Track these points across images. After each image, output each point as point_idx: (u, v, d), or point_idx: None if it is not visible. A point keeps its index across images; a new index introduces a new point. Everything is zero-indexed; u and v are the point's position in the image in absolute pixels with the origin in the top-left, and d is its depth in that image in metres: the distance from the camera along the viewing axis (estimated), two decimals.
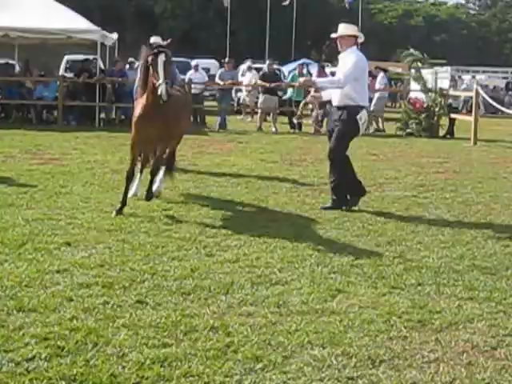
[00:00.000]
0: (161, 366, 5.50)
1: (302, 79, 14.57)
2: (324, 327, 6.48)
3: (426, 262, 8.82)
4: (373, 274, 8.24)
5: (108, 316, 6.54)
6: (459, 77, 50.30)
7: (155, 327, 6.31)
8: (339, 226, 10.64)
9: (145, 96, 11.03)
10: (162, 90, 10.30)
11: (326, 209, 11.76)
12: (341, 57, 12.24)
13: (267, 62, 33.46)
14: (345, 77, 11.68)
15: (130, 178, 11.23)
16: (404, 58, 30.38)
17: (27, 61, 30.55)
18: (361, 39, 12.13)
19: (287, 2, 63.07)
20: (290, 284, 7.70)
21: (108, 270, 7.97)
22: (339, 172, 11.87)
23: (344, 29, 12.14)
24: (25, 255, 8.42)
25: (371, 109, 28.89)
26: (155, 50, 10.72)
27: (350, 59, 11.82)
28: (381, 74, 31.22)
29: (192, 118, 29.42)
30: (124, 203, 10.91)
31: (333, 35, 12.30)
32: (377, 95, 29.64)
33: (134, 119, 11.31)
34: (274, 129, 27.66)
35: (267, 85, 28.47)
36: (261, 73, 30.84)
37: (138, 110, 11.25)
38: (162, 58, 10.56)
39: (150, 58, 10.66)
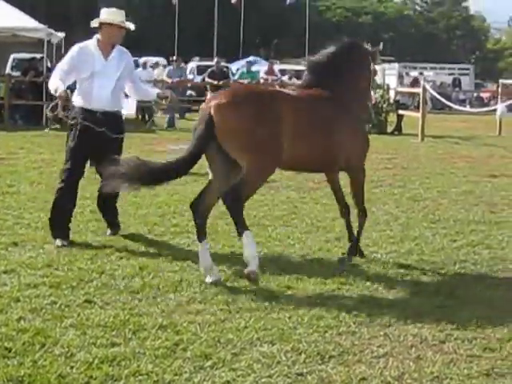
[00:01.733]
0: (109, 366, 5.47)
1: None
2: (273, 324, 6.49)
3: (374, 257, 8.88)
4: (322, 270, 8.27)
5: (56, 316, 6.50)
6: (407, 73, 50.73)
7: (103, 326, 6.28)
8: (288, 223, 10.67)
9: None
10: None
11: None
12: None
13: (215, 59, 33.44)
14: None
15: None
16: None
17: None
18: (131, 26, 9.58)
19: (235, 0, 63.01)
20: (239, 281, 7.70)
21: (56, 270, 7.92)
22: None
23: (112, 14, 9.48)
24: None
25: None
26: None
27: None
28: None
29: (140, 117, 29.54)
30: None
31: (93, 23, 9.53)
32: None
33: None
34: None
35: (215, 82, 28.47)
36: (209, 70, 30.79)
37: None
38: None
39: None
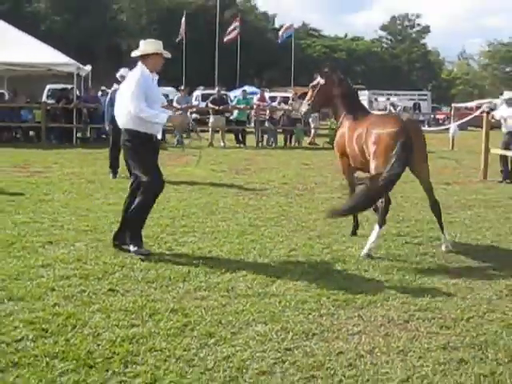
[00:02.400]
0: (130, 344, 5.47)
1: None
2: (266, 307, 6.48)
3: (349, 251, 8.86)
4: (305, 262, 8.26)
5: (85, 302, 6.49)
6: (375, 99, 50.83)
7: (124, 311, 6.26)
8: (277, 224, 10.65)
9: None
10: None
11: None
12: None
13: (216, 88, 33.44)
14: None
15: None
16: None
17: (14, 89, 30.39)
18: (167, 55, 8.86)
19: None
20: (237, 272, 7.68)
21: (84, 264, 7.89)
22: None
23: (148, 45, 8.84)
24: (14, 253, 8.31)
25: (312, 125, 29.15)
26: None
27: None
28: None
29: None
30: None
31: (133, 54, 8.85)
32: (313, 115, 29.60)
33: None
34: (222, 143, 27.62)
35: (216, 107, 28.54)
36: (211, 98, 30.76)
37: None
38: None
39: None
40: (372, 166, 8.75)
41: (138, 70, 8.65)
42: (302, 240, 9.53)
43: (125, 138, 8.65)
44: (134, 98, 8.33)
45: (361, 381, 4.91)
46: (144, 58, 8.68)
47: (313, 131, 29.98)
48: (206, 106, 30.83)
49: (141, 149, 8.53)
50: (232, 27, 61.92)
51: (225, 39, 62.26)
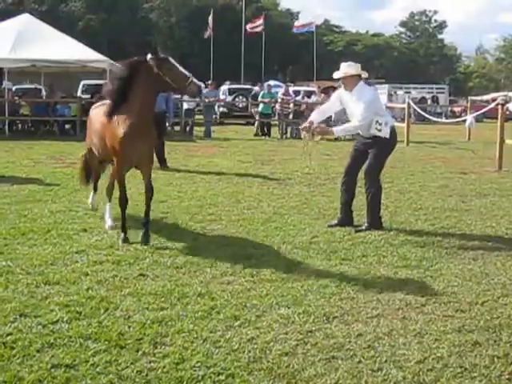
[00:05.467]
0: (159, 325, 5.49)
1: (317, 128, 9.66)
2: (288, 291, 6.48)
3: (369, 238, 8.83)
4: (327, 249, 8.25)
5: (116, 286, 6.52)
6: (395, 92, 50.50)
7: (154, 294, 6.29)
8: (300, 212, 10.64)
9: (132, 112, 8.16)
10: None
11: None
12: (349, 98, 9.47)
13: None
14: (360, 121, 9.27)
15: (125, 206, 8.69)
16: None
17: (51, 85, 30.58)
18: (365, 75, 9.66)
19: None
20: (262, 258, 7.68)
21: (116, 250, 7.94)
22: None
23: (347, 68, 9.48)
24: (50, 240, 8.38)
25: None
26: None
27: (362, 99, 9.28)
28: None
29: (183, 128, 29.72)
30: (125, 230, 8.52)
31: (335, 75, 9.60)
32: None
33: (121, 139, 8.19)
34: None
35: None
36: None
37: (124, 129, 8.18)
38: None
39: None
40: None
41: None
42: (324, 227, 9.51)
43: None
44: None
45: (379, 361, 4.90)
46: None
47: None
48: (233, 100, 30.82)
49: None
50: (257, 23, 61.77)
51: (248, 27, 61.96)
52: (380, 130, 9.41)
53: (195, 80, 8.34)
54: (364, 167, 9.60)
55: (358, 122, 9.32)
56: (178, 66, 8.29)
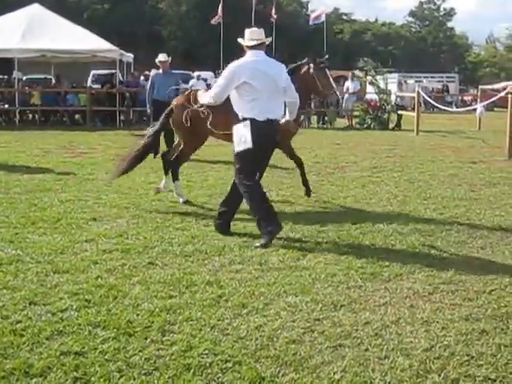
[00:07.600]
0: (167, 313, 5.50)
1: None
2: (296, 280, 6.49)
3: (377, 227, 8.83)
4: (335, 237, 8.25)
5: (125, 275, 6.54)
6: (405, 81, 50.34)
7: (163, 283, 6.31)
8: (309, 201, 10.64)
9: None
10: None
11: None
12: None
13: None
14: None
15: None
16: (364, 65, 30.22)
17: (58, 76, 30.73)
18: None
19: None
20: (270, 246, 7.70)
21: (126, 239, 7.96)
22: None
23: (260, 34, 9.21)
24: (60, 229, 8.42)
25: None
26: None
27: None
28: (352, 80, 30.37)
29: None
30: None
31: (250, 43, 9.18)
32: (345, 96, 29.38)
33: None
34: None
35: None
36: None
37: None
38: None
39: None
40: None
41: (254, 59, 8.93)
42: (332, 216, 9.52)
43: None
44: None
45: (386, 349, 4.90)
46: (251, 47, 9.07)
47: (348, 114, 29.87)
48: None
49: None
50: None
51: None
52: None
53: (338, 93, 10.65)
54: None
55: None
56: (330, 76, 10.24)
